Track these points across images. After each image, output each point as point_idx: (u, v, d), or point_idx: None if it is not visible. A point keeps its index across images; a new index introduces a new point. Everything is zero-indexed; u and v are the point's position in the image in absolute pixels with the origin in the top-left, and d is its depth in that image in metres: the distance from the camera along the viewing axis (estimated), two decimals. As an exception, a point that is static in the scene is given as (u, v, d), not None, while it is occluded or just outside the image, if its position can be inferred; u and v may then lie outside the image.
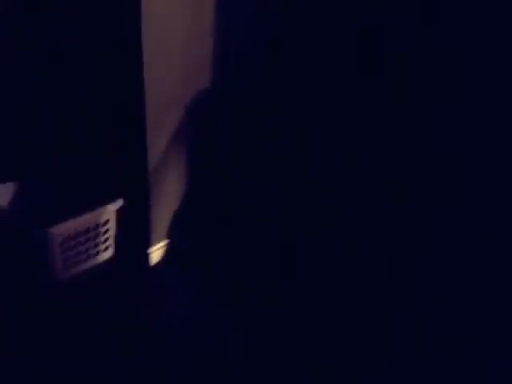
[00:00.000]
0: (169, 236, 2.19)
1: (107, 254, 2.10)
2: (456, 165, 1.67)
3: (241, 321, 1.88)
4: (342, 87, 1.90)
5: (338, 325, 1.78)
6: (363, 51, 1.79)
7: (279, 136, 2.11)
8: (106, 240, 2.07)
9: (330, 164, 2.00)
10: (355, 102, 1.87)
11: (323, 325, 1.79)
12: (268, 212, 2.16)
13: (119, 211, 2.05)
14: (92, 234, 1.99)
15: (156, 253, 2.15)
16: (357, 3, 1.79)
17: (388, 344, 1.74)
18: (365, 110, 1.85)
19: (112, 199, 2.01)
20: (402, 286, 1.82)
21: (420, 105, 1.71)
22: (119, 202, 2.03)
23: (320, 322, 1.80)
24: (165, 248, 2.18)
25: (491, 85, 1.55)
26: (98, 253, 2.06)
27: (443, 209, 1.72)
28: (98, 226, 2.00)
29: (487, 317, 1.64)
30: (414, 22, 1.67)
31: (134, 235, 2.12)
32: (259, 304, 1.88)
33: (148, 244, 2.12)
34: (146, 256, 2.13)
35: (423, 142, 1.73)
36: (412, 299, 1.78)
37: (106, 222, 2.02)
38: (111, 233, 2.07)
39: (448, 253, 1.72)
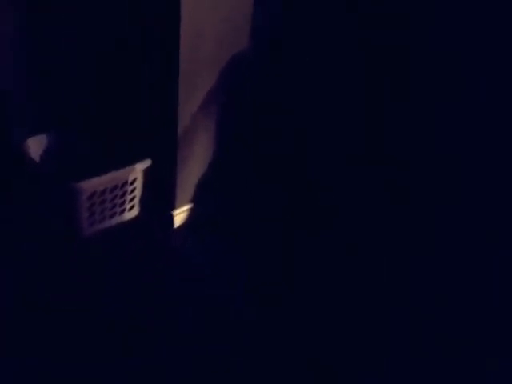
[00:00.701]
0: (193, 200, 2.20)
1: (132, 213, 2.13)
2: (456, 165, 1.66)
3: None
4: (342, 86, 1.89)
5: (337, 324, 1.80)
6: (364, 50, 1.78)
7: (279, 135, 2.12)
8: (133, 199, 2.09)
9: (330, 164, 2.01)
10: (356, 101, 1.86)
11: (323, 324, 1.81)
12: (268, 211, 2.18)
13: (146, 171, 2.07)
14: (119, 191, 2.01)
15: (179, 216, 2.17)
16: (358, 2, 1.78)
17: (388, 344, 1.74)
18: (365, 109, 1.85)
19: (140, 158, 2.03)
20: (401, 286, 1.82)
21: (420, 104, 1.70)
22: (147, 162, 2.04)
23: (320, 322, 1.81)
24: (188, 212, 2.20)
25: (491, 84, 1.54)
26: (123, 211, 2.08)
27: (443, 209, 1.71)
28: (125, 184, 2.02)
29: (487, 317, 1.64)
30: (415, 18, 1.66)
31: (159, 196, 2.14)
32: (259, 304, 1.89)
33: (172, 206, 2.13)
34: (170, 218, 2.15)
35: (423, 141, 1.72)
36: (412, 299, 1.79)
37: (134, 180, 2.04)
38: (137, 192, 2.09)
39: (448, 252, 1.72)
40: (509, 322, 1.60)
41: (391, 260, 1.85)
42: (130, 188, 2.04)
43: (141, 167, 2.03)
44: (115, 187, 1.98)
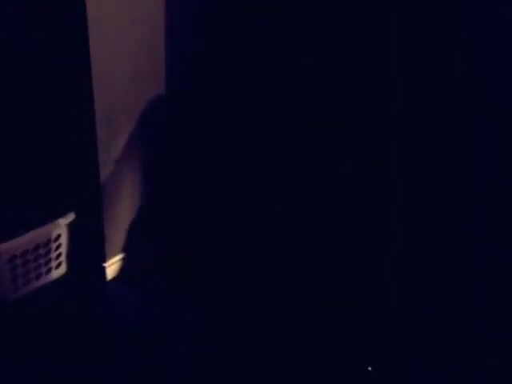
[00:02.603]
0: (124, 249, 2.11)
1: (60, 271, 2.01)
2: (456, 164, 1.69)
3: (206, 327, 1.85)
4: (336, 81, 1.88)
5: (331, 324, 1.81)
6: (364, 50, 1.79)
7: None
8: (59, 256, 1.98)
9: (323, 161, 1.99)
10: (351, 96, 1.85)
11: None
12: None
13: (71, 225, 1.97)
14: (42, 250, 1.90)
15: (112, 267, 2.08)
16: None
17: (387, 343, 1.76)
18: (363, 106, 1.84)
19: (63, 213, 1.93)
20: (402, 286, 1.83)
21: (419, 103, 1.72)
22: (71, 216, 1.95)
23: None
24: (121, 262, 2.11)
25: (491, 85, 1.58)
26: (49, 270, 1.96)
27: (443, 208, 1.73)
28: (48, 241, 1.91)
29: (487, 316, 1.67)
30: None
31: (87, 249, 2.04)
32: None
33: (103, 258, 2.04)
34: (102, 270, 2.05)
35: (422, 140, 1.74)
36: (412, 298, 1.80)
37: (58, 236, 1.94)
38: (63, 248, 1.98)
39: (448, 252, 1.74)
40: (509, 321, 1.63)
41: (389, 257, 1.85)
42: (54, 245, 1.94)
43: (64, 222, 1.94)
44: (37, 246, 1.87)
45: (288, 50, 1.91)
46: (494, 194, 1.60)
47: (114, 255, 2.08)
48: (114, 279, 2.10)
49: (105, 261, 2.05)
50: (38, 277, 1.94)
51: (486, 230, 1.63)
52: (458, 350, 1.70)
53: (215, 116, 2.09)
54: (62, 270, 2.02)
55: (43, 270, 1.94)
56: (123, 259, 2.11)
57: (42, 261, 1.92)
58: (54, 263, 1.97)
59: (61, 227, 1.94)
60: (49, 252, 1.93)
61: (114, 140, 1.92)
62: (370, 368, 1.70)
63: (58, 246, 1.96)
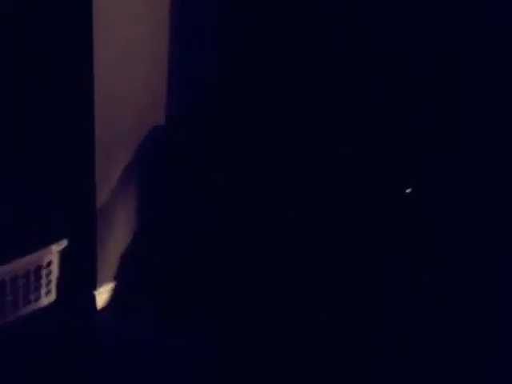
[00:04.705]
0: (116, 277, 2.08)
1: (50, 298, 1.98)
2: (456, 165, 1.69)
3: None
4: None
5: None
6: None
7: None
8: (49, 283, 1.95)
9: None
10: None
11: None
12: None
13: (63, 252, 1.94)
14: (33, 277, 1.87)
15: (102, 295, 2.04)
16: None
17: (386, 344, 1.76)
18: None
19: (56, 239, 1.91)
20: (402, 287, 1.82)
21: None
22: (63, 243, 1.92)
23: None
24: (112, 290, 2.08)
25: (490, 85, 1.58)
26: (39, 297, 1.93)
27: (443, 209, 1.73)
28: (39, 268, 1.88)
29: (487, 316, 1.66)
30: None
31: (78, 277, 2.01)
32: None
33: (94, 286, 2.01)
34: (92, 299, 2.01)
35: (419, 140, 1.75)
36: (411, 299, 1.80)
37: (49, 263, 1.91)
38: (54, 275, 1.95)
39: (448, 251, 1.73)
40: (509, 321, 1.65)
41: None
42: (45, 272, 1.91)
43: (56, 249, 1.91)
44: (28, 272, 1.84)
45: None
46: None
47: (105, 283, 2.04)
48: (104, 308, 2.06)
49: (95, 288, 2.02)
50: (27, 303, 1.90)
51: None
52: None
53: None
54: (52, 297, 1.98)
55: (32, 296, 1.91)
56: (115, 288, 2.08)
57: (31, 287, 1.88)
58: (43, 290, 1.94)
59: (53, 254, 1.91)
60: (39, 278, 1.90)
61: (110, 168, 1.91)
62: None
63: (49, 273, 1.93)
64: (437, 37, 1.63)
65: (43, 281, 1.92)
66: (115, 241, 2.03)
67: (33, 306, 1.92)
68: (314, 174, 1.91)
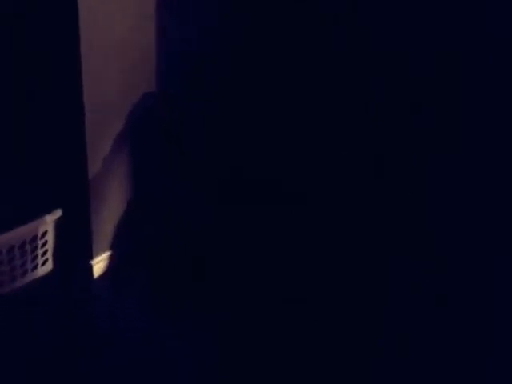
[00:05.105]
0: (112, 246, 2.10)
1: (47, 268, 1.99)
2: (456, 165, 1.70)
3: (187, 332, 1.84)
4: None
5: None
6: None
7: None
8: (45, 253, 1.95)
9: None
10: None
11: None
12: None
13: (58, 222, 1.94)
14: (29, 246, 1.87)
15: (99, 264, 2.06)
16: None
17: (386, 344, 1.76)
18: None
19: (50, 209, 1.91)
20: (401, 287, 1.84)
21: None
22: (57, 212, 1.92)
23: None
24: (108, 259, 2.09)
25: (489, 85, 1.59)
26: (35, 267, 1.94)
27: (443, 209, 1.74)
28: (35, 238, 1.88)
29: (487, 316, 1.69)
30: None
31: (74, 246, 2.02)
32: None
33: (90, 255, 2.02)
34: (89, 268, 2.03)
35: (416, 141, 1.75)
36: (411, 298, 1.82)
37: (45, 233, 1.91)
38: (50, 245, 1.96)
39: (448, 251, 1.74)
40: (509, 321, 1.65)
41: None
42: (40, 242, 1.91)
43: (51, 218, 1.91)
44: (24, 243, 1.85)
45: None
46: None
47: (101, 253, 2.06)
48: (101, 277, 2.08)
49: (92, 258, 2.03)
50: (24, 274, 1.91)
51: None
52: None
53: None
54: (48, 267, 1.99)
55: (29, 266, 1.91)
56: (111, 256, 2.09)
57: (28, 257, 1.89)
58: (40, 260, 1.94)
59: (48, 224, 1.91)
60: (35, 249, 1.90)
61: (102, 137, 1.90)
62: None
63: (45, 243, 1.93)
64: (437, 37, 1.62)
65: (39, 251, 1.92)
66: (109, 210, 2.03)
67: (30, 277, 1.93)
68: (314, 173, 1.91)
